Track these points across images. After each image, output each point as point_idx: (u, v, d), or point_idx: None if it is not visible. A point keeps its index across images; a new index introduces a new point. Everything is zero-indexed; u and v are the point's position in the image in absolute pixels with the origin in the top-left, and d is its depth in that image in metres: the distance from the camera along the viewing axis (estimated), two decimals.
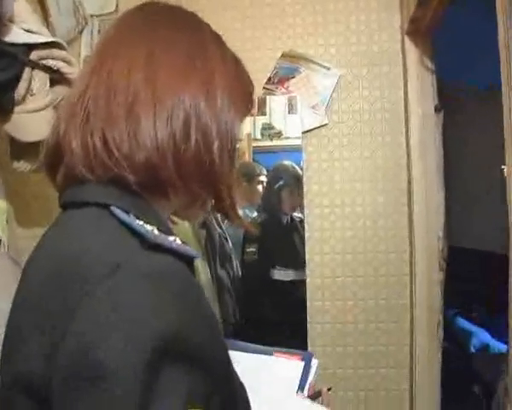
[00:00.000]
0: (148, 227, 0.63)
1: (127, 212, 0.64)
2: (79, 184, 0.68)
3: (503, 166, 1.20)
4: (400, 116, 2.28)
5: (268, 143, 2.34)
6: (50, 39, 1.54)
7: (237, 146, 0.78)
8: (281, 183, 2.38)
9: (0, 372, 0.65)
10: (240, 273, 2.35)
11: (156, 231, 0.63)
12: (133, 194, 0.67)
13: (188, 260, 0.65)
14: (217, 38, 0.80)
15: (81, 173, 0.66)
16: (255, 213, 2.40)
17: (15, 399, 0.59)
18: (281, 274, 2.33)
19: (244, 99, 0.80)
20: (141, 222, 0.64)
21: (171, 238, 0.64)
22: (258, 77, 2.28)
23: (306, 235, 2.29)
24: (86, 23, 2.27)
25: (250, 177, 2.37)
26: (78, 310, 0.54)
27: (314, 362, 1.13)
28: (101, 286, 0.55)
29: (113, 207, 0.64)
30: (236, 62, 0.81)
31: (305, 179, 2.30)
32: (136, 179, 0.66)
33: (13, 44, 1.44)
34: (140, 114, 0.67)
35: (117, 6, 2.36)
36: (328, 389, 1.12)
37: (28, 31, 1.50)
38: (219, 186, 0.74)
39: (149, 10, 0.79)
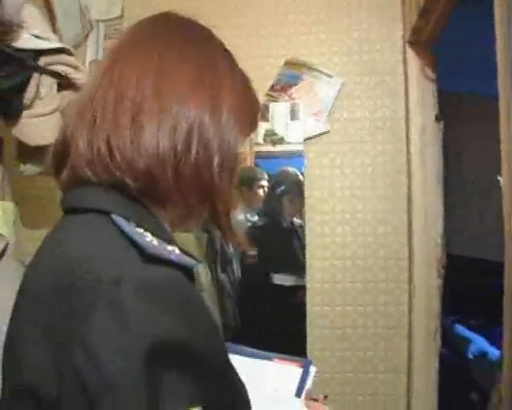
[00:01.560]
0: (148, 237, 0.64)
1: (128, 219, 0.65)
2: (83, 186, 0.69)
3: (499, 177, 1.22)
4: (401, 124, 2.31)
5: (270, 148, 2.37)
6: (58, 45, 1.56)
7: (238, 164, 0.78)
8: (283, 188, 2.41)
9: (4, 381, 0.66)
10: (240, 277, 2.38)
11: (155, 241, 0.64)
12: (135, 201, 0.68)
13: (186, 270, 0.66)
14: (228, 56, 0.81)
15: (85, 174, 0.67)
16: (256, 218, 2.42)
17: (24, 408, 0.61)
18: (281, 279, 2.35)
19: (249, 119, 0.80)
20: (141, 230, 0.65)
21: (171, 248, 0.65)
22: (262, 84, 2.31)
23: (307, 240, 2.31)
24: (92, 28, 2.30)
25: (251, 181, 2.40)
26: (81, 322, 0.56)
27: (312, 369, 1.13)
28: (105, 298, 0.57)
29: (114, 215, 0.65)
30: (245, 82, 0.82)
31: (306, 185, 2.33)
32: (136, 185, 0.67)
33: (22, 50, 1.46)
34: (144, 122, 0.67)
35: (122, 11, 2.39)
36: (325, 397, 1.12)
37: (37, 37, 1.51)
38: (216, 202, 0.74)
39: (163, 22, 0.80)
